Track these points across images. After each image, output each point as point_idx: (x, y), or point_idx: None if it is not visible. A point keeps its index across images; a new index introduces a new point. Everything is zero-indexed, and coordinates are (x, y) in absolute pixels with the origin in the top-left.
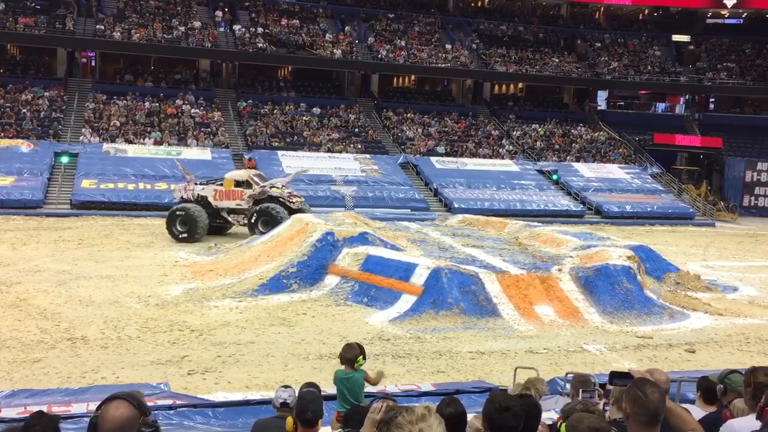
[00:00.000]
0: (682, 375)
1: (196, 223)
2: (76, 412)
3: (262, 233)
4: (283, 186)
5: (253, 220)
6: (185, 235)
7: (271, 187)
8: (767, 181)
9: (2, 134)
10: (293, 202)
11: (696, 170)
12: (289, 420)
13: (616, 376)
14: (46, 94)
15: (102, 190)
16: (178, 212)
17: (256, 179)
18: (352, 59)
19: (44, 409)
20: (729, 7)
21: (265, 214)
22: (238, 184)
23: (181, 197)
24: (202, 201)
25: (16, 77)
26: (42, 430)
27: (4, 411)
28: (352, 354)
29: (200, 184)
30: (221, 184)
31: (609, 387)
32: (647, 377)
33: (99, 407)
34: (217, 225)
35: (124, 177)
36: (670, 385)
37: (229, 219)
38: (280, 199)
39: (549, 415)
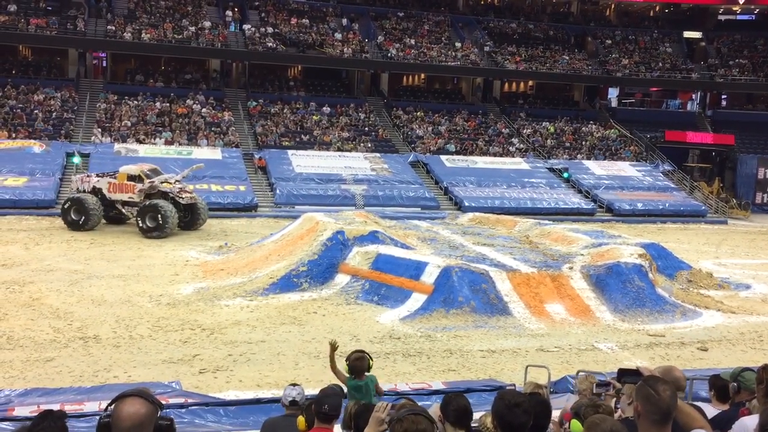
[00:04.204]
0: (695, 373)
1: (88, 211)
2: (88, 411)
3: (149, 228)
4: (175, 181)
5: (139, 216)
6: (81, 222)
7: (162, 183)
8: None
9: (14, 135)
10: (183, 198)
11: (708, 167)
12: (301, 419)
13: (624, 374)
14: (58, 94)
15: None
16: (69, 203)
17: (149, 174)
18: (362, 58)
19: (57, 407)
20: (741, 3)
21: (151, 210)
22: (131, 178)
23: (77, 188)
24: (97, 193)
25: (28, 78)
26: (48, 429)
27: (17, 410)
28: (363, 364)
29: (98, 176)
30: (116, 178)
31: (619, 385)
32: (656, 375)
33: (108, 407)
34: (114, 216)
35: None
36: (686, 383)
37: (123, 211)
38: (170, 194)
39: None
